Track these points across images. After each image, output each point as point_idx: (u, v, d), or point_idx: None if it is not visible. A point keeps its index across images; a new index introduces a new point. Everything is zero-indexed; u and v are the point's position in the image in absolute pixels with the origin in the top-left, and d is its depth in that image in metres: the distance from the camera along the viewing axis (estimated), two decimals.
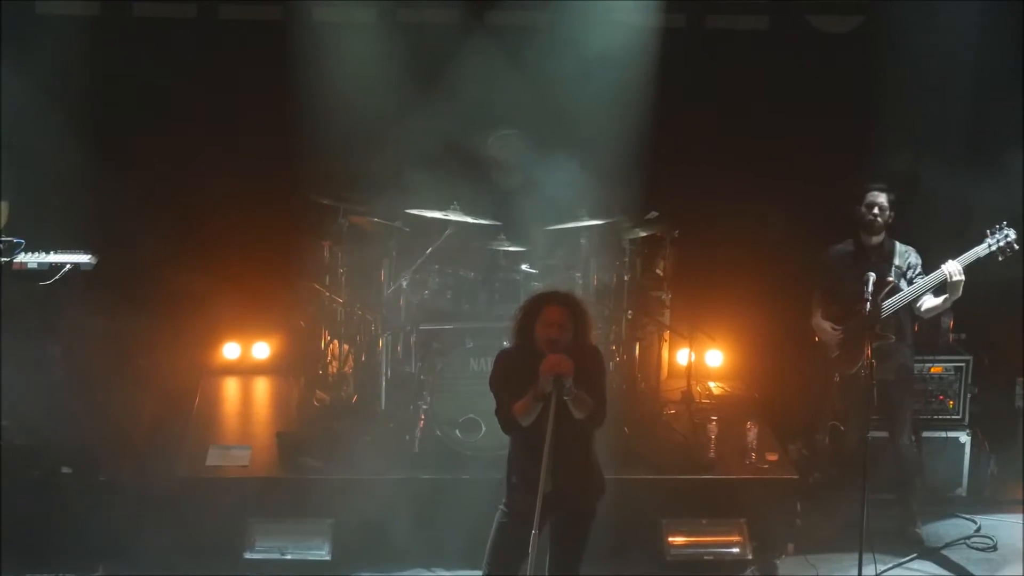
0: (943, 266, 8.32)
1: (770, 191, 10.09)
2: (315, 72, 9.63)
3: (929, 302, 8.45)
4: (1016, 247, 8.28)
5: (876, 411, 8.48)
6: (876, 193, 8.52)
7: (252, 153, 9.93)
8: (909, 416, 8.79)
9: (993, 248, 8.28)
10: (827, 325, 8.70)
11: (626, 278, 9.25)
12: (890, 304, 8.46)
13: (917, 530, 8.80)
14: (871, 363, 8.11)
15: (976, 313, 8.57)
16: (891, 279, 8.48)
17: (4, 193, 8.99)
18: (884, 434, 8.73)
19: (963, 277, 8.28)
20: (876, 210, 8.51)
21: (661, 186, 9.67)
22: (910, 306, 8.51)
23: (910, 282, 8.50)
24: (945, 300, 8.39)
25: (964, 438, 9.36)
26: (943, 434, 9.31)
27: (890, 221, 8.57)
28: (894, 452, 8.74)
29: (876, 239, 8.57)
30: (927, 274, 8.46)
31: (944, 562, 8.62)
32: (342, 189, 9.41)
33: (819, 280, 8.84)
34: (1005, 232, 8.28)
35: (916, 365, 9.09)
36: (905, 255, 8.59)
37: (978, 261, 8.33)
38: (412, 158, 9.53)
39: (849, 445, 8.73)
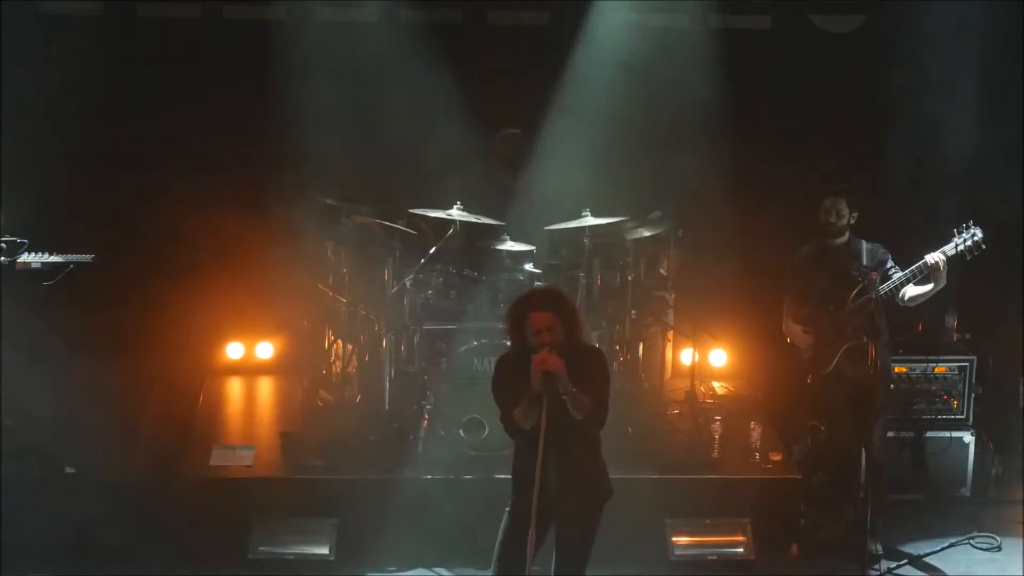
0: (926, 257, 8.19)
1: (773, 190, 10.08)
2: (318, 71, 9.63)
3: (912, 291, 8.34)
4: (983, 246, 8.15)
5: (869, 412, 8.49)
6: (832, 199, 8.45)
7: (256, 152, 9.93)
8: (883, 416, 8.61)
9: (960, 248, 8.18)
10: (797, 328, 8.64)
11: (630, 278, 9.24)
12: (860, 303, 8.38)
13: (875, 545, 8.48)
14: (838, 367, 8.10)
15: (980, 313, 8.55)
16: (860, 280, 8.38)
17: (5, 192, 8.98)
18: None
19: (945, 267, 8.16)
20: (833, 216, 8.45)
21: (664, 185, 9.66)
22: (885, 304, 8.42)
23: (884, 278, 8.43)
24: (931, 289, 8.31)
25: (968, 438, 9.34)
26: (947, 434, 9.29)
27: (852, 222, 8.48)
28: (865, 453, 8.43)
29: (839, 240, 8.52)
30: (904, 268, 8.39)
31: (948, 562, 8.60)
32: (346, 189, 9.41)
33: (787, 283, 8.77)
34: (972, 231, 8.18)
35: (919, 365, 9.09)
36: (872, 253, 8.50)
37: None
38: (416, 157, 9.54)
39: (837, 446, 8.67)
